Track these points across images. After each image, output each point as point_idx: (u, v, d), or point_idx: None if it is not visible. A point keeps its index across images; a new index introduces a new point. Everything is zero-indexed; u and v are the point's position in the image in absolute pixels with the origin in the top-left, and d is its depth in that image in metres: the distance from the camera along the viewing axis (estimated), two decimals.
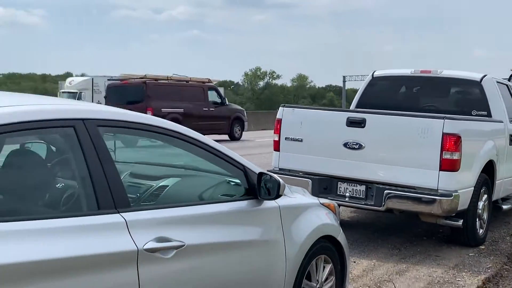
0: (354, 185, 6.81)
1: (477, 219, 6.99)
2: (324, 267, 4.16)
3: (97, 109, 3.10)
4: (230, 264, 3.28)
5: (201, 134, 3.48)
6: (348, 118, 6.80)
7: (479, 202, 6.96)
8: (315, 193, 6.25)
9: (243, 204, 3.51)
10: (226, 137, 23.25)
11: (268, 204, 3.60)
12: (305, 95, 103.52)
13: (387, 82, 8.96)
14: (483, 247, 7.08)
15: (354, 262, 6.12)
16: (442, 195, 6.28)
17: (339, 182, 6.91)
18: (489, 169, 7.24)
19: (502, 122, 7.75)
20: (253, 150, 17.16)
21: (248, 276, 3.43)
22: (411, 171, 6.49)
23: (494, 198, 7.61)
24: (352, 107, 8.84)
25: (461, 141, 6.31)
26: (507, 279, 5.98)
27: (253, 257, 3.46)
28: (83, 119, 2.80)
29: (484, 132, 7.37)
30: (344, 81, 69.25)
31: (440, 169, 6.31)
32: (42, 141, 3.21)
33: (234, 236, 3.32)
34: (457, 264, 6.37)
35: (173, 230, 2.94)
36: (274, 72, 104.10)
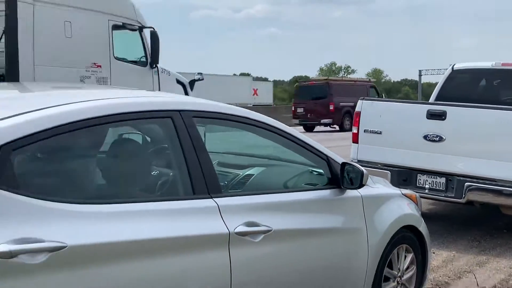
0: (434, 177, 6.69)
1: None
2: (405, 256, 4.12)
3: (192, 101, 3.19)
4: (314, 250, 3.30)
5: (286, 125, 3.53)
6: (428, 111, 6.68)
7: None
8: (394, 184, 6.10)
9: (326, 193, 3.53)
10: None
11: (351, 193, 3.60)
12: (380, 89, 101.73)
13: (467, 75, 8.72)
14: None
15: (434, 253, 6.00)
16: None
17: (418, 174, 6.81)
18: None
19: None
20: (331, 143, 17.09)
21: (331, 262, 3.45)
22: (492, 164, 6.31)
23: None
24: (431, 100, 8.66)
25: None
26: None
27: (336, 244, 3.47)
28: (179, 111, 2.90)
29: None
30: (420, 75, 67.48)
31: None
32: (139, 131, 3.35)
33: (318, 223, 3.35)
34: None
35: (261, 216, 3.00)
36: (349, 67, 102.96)
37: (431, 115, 6.65)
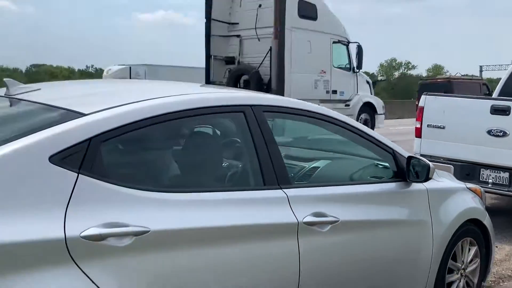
0: (497, 172, 6.51)
1: None
2: (469, 249, 4.04)
3: (262, 96, 3.23)
4: (380, 241, 3.28)
5: (353, 120, 3.51)
6: (492, 106, 6.49)
7: None
8: (457, 179, 6.04)
9: (391, 185, 3.49)
10: None
11: (416, 186, 3.56)
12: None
13: None
14: None
15: (497, 247, 5.81)
16: None
17: (481, 169, 6.65)
18: None
19: None
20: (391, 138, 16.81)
21: (396, 253, 3.42)
22: None
23: None
24: (495, 95, 8.40)
25: None
26: None
27: (401, 236, 3.44)
28: (251, 105, 2.94)
29: None
30: (480, 71, 65.37)
31: None
32: (210, 125, 3.41)
33: (383, 215, 3.33)
34: None
35: (328, 207, 3.01)
36: (409, 62, 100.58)
37: (495, 110, 6.47)
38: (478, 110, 6.66)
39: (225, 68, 14.68)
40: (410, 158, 3.50)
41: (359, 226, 3.16)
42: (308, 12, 14.22)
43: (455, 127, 6.86)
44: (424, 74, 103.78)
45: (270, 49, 13.04)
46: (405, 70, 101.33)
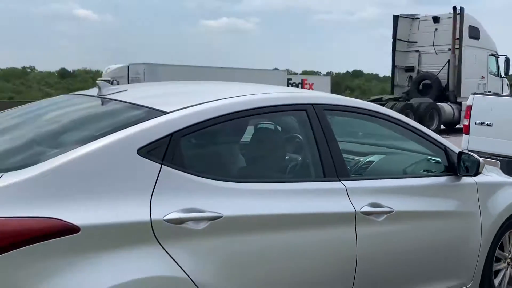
0: None
1: None
2: None
3: (323, 96, 3.25)
4: (431, 231, 3.25)
5: (407, 117, 3.48)
6: None
7: None
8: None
9: (443, 179, 3.44)
10: None
11: (466, 180, 3.49)
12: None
13: None
14: None
15: None
16: None
17: None
18: None
19: None
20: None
21: (447, 242, 3.37)
22: None
23: None
24: None
25: None
26: None
27: (451, 226, 3.39)
28: (312, 104, 2.97)
29: None
30: None
31: None
32: (272, 122, 3.45)
33: (435, 207, 3.28)
34: None
35: (383, 198, 3.00)
36: None
37: None
38: None
39: (405, 74, 19.61)
40: (461, 153, 3.45)
41: (412, 217, 3.13)
42: (474, 34, 18.84)
43: (502, 125, 6.67)
44: None
45: (448, 61, 18.48)
46: None
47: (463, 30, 18.23)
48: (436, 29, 19.15)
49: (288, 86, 24.51)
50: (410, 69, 19.61)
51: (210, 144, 2.78)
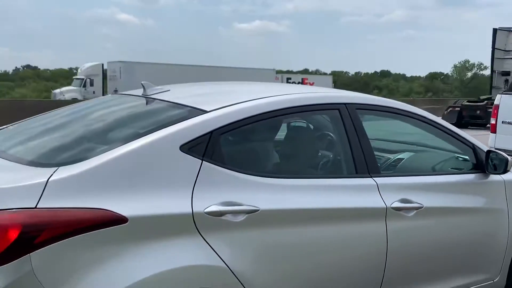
0: None
1: None
2: None
3: (355, 96, 3.22)
4: (460, 227, 3.19)
5: (436, 116, 3.43)
6: None
7: None
8: None
9: (471, 177, 3.38)
10: None
11: (494, 178, 3.42)
12: None
13: None
14: None
15: None
16: None
17: None
18: None
19: None
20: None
21: (475, 238, 3.31)
22: None
23: None
24: None
25: None
26: None
27: (479, 222, 3.32)
28: (345, 104, 2.95)
29: None
30: None
31: None
32: (305, 121, 3.44)
33: (463, 203, 3.23)
34: None
35: (413, 194, 2.96)
36: (481, 63, 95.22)
37: None
38: None
39: (502, 78, 20.94)
40: (489, 152, 3.38)
41: (441, 213, 3.09)
42: None
43: None
44: None
45: None
46: (478, 71, 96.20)
47: None
48: None
49: None
50: (506, 73, 21.08)
51: (247, 141, 2.80)
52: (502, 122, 6.68)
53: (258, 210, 2.36)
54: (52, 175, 2.05)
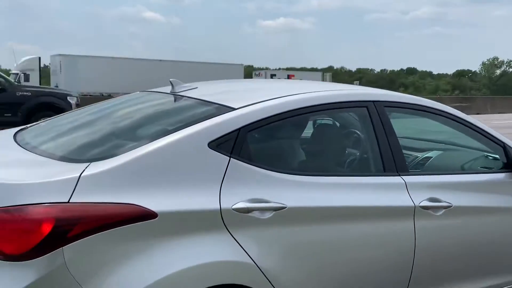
0: None
1: None
2: None
3: (383, 93, 3.19)
4: (489, 226, 3.13)
5: (465, 114, 3.37)
6: None
7: None
8: None
9: (501, 176, 3.30)
10: None
11: None
12: None
13: None
14: None
15: None
16: None
17: None
18: None
19: None
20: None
21: (504, 238, 3.24)
22: None
23: None
24: None
25: None
26: None
27: (510, 222, 3.26)
28: (373, 101, 2.92)
29: None
30: None
31: None
32: (332, 118, 3.42)
33: (493, 203, 3.16)
34: None
35: (442, 193, 2.92)
36: (511, 61, 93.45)
37: None
38: None
39: None
40: None
41: (471, 212, 3.03)
42: None
43: None
44: None
45: None
46: (507, 68, 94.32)
47: None
48: None
49: None
50: None
51: (274, 139, 2.79)
52: None
53: (285, 207, 2.36)
54: (84, 170, 2.08)
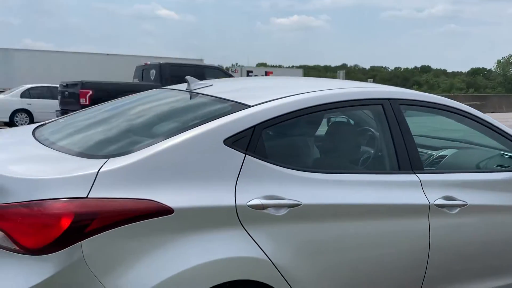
0: None
1: None
2: None
3: (399, 91, 3.17)
4: (505, 225, 3.10)
5: (480, 112, 3.34)
6: None
7: None
8: None
9: None
10: None
11: None
12: None
13: None
14: None
15: None
16: None
17: None
18: None
19: None
20: None
21: None
22: None
23: None
24: None
25: None
26: None
27: None
28: (389, 99, 2.91)
29: None
30: None
31: None
32: (346, 116, 3.41)
33: (508, 201, 3.12)
34: None
35: (457, 191, 2.90)
36: None
37: None
38: None
39: None
40: None
41: (486, 211, 3.01)
42: None
43: None
44: None
45: None
46: None
47: None
48: None
49: None
50: None
51: (289, 136, 2.80)
52: None
53: (300, 204, 2.36)
54: (102, 166, 2.11)
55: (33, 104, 17.05)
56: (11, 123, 16.43)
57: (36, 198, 1.98)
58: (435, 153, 3.75)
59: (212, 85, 3.02)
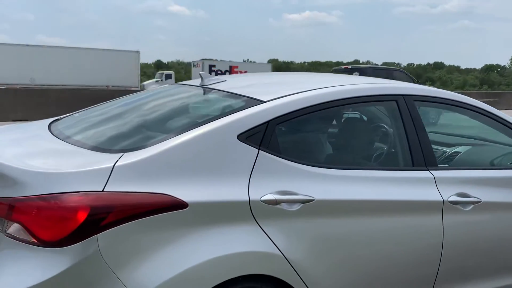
0: None
1: None
2: None
3: (413, 87, 3.15)
4: None
5: (495, 109, 3.31)
6: None
7: None
8: None
9: None
10: None
11: None
12: None
13: None
14: None
15: None
16: None
17: None
18: None
19: None
20: None
21: None
22: None
23: None
24: None
25: None
26: None
27: None
28: (403, 95, 2.90)
29: None
30: None
31: None
32: (359, 112, 3.40)
33: None
34: None
35: (470, 188, 2.89)
36: None
37: None
38: None
39: None
40: None
41: (500, 208, 2.99)
42: None
43: None
44: None
45: None
46: None
47: None
48: None
49: (210, 73, 21.07)
50: None
51: (302, 132, 2.80)
52: None
53: (313, 200, 2.36)
54: (118, 160, 2.13)
55: None
56: None
57: (53, 191, 2.01)
58: (449, 150, 3.72)
59: (225, 80, 3.03)
